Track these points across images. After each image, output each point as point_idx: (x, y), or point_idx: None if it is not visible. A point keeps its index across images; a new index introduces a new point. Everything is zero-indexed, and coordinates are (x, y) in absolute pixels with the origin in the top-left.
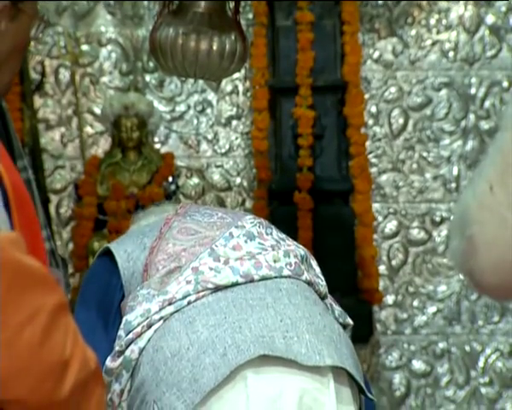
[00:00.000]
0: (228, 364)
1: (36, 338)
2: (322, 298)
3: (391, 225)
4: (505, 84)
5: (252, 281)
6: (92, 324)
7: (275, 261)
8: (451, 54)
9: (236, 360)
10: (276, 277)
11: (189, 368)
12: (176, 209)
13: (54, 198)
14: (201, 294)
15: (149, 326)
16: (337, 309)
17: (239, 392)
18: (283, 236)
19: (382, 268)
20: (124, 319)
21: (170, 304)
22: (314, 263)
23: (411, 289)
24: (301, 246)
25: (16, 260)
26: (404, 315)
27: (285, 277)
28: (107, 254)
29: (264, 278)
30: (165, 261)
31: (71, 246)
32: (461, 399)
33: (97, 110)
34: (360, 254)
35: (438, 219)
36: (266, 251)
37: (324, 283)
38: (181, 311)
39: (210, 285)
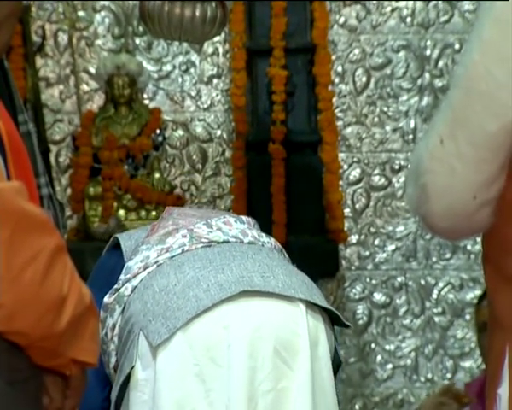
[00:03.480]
0: (211, 298)
1: (37, 277)
2: None
3: (355, 173)
4: (457, 46)
5: (241, 242)
6: (98, 300)
7: (258, 236)
8: (409, 19)
9: (219, 296)
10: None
11: (174, 300)
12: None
13: (53, 148)
14: (194, 246)
15: (145, 268)
16: None
17: (219, 322)
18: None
19: (347, 211)
20: (125, 266)
21: (166, 252)
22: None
23: (373, 230)
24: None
25: (20, 208)
26: (367, 253)
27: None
28: (115, 247)
29: (250, 243)
30: (165, 228)
31: (69, 191)
32: (417, 327)
33: (92, 70)
34: (327, 198)
35: (397, 167)
36: (252, 231)
37: None
38: (173, 258)
39: (203, 240)
